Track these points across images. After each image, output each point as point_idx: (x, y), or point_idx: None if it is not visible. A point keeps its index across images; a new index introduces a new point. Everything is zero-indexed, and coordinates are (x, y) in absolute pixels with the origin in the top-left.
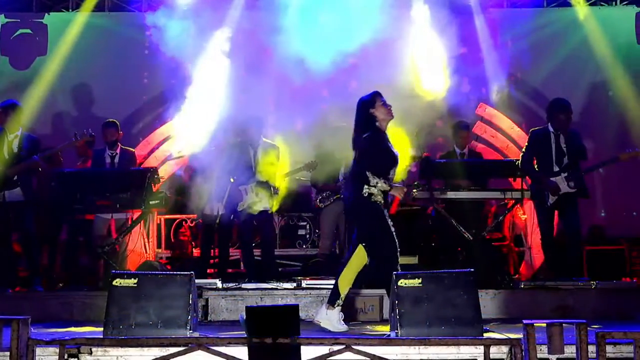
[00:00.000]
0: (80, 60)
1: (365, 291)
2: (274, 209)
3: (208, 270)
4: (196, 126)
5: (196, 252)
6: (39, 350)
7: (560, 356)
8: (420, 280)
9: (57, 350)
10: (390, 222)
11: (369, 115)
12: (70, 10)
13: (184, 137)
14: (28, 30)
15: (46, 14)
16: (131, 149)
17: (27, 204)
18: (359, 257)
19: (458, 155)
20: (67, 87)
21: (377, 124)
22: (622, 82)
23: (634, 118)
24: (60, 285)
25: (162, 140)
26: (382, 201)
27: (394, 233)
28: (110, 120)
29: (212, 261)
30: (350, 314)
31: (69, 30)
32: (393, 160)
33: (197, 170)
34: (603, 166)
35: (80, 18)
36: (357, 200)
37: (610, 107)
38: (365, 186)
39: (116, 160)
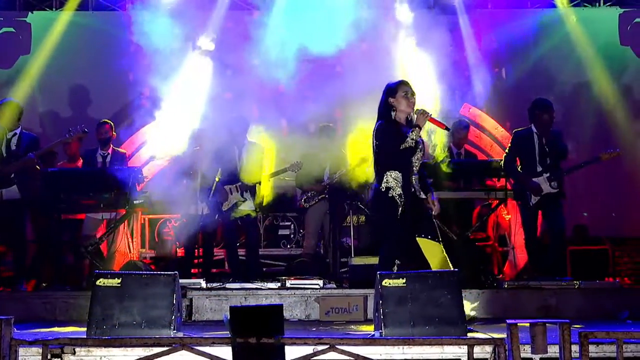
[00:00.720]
0: (64, 59)
1: (349, 291)
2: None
3: (192, 270)
4: (181, 126)
5: (180, 251)
6: (21, 351)
7: (544, 356)
8: (404, 280)
9: (40, 351)
10: (401, 224)
11: (387, 103)
12: (54, 9)
13: (168, 136)
14: (11, 29)
15: (30, 13)
16: (123, 150)
17: (23, 203)
18: (430, 250)
19: (455, 154)
20: (51, 86)
21: (393, 113)
22: (604, 83)
23: (615, 118)
24: (44, 285)
25: (146, 140)
26: (400, 194)
27: (401, 237)
28: (105, 120)
29: (196, 261)
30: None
31: (52, 29)
32: (412, 149)
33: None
34: (585, 166)
35: (64, 17)
36: (374, 192)
37: (591, 108)
38: (384, 180)
39: (108, 160)
